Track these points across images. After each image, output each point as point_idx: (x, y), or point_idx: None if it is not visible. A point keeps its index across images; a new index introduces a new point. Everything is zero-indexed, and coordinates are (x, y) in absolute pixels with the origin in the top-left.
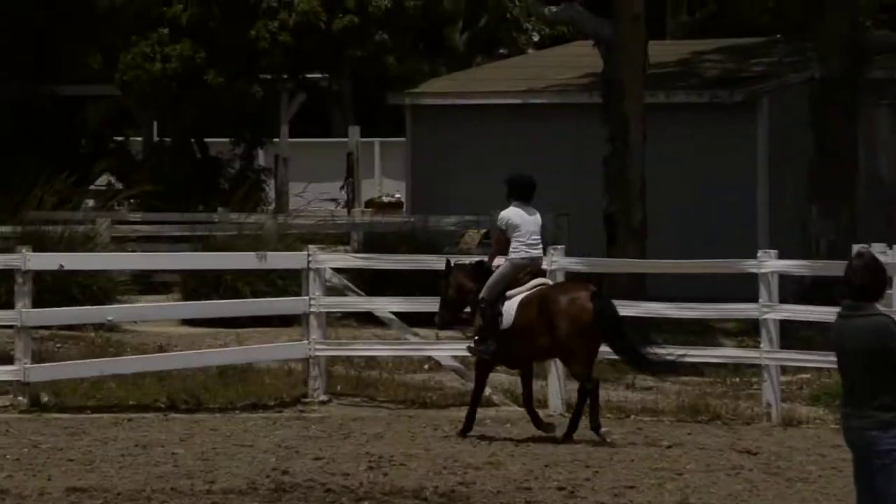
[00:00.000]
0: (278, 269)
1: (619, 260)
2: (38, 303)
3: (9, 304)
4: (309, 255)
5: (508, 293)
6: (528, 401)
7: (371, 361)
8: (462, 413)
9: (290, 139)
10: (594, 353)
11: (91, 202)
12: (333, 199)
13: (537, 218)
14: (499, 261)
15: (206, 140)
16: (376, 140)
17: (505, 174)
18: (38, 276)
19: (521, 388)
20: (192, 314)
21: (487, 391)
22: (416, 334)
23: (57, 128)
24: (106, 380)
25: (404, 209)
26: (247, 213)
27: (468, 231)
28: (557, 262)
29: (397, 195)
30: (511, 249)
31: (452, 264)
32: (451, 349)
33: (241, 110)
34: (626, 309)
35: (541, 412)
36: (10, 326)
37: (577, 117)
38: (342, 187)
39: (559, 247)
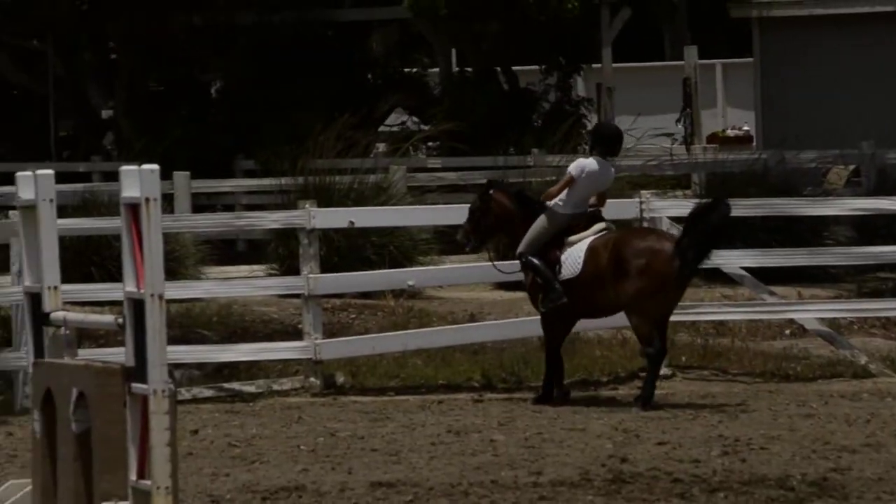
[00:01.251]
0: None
1: None
2: (326, 267)
3: (293, 270)
4: (641, 201)
5: (570, 238)
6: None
7: (720, 327)
8: (834, 386)
9: (613, 64)
10: (667, 315)
11: (382, 146)
12: (669, 134)
13: (610, 176)
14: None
15: (515, 69)
16: (718, 62)
17: (882, 97)
18: (326, 236)
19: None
20: (507, 276)
21: (863, 359)
22: (773, 293)
23: (339, 59)
24: (410, 356)
25: (754, 144)
26: (566, 154)
27: (833, 168)
28: None
29: (745, 127)
30: (559, 198)
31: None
32: (817, 310)
33: (554, 31)
34: None
35: None
36: (297, 295)
37: None
38: (678, 120)
39: None
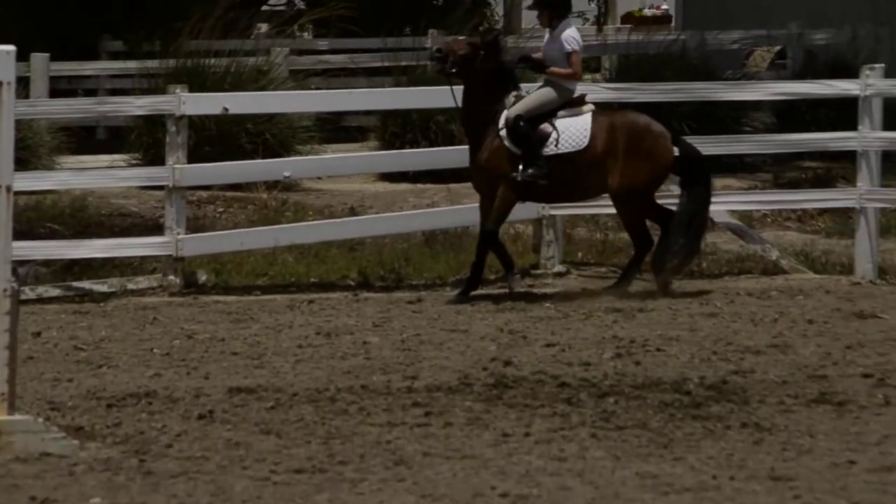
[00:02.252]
0: None
1: None
2: (195, 157)
3: (158, 160)
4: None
5: (561, 113)
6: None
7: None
8: (742, 283)
9: None
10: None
11: (264, 27)
12: (580, 14)
13: None
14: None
15: None
16: None
17: None
18: (196, 124)
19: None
20: (392, 166)
21: (774, 254)
22: None
23: None
24: (281, 252)
25: (673, 24)
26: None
27: (756, 50)
28: (875, 85)
29: (664, 6)
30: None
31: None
32: (728, 202)
33: None
34: None
35: (844, 278)
36: (160, 187)
37: None
38: None
39: (877, 66)
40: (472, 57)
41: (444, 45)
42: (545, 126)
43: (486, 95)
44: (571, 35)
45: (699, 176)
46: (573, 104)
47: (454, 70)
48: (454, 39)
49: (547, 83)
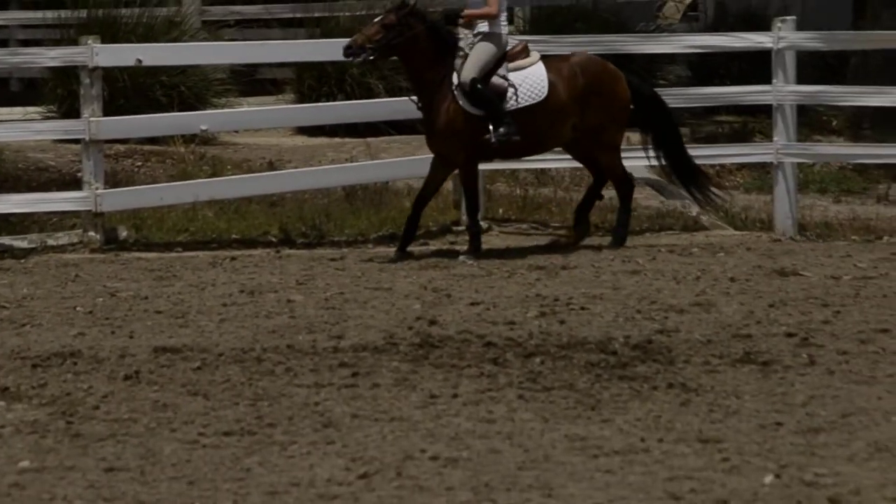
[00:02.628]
0: None
1: (871, 33)
2: (110, 110)
3: (73, 112)
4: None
5: (515, 64)
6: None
7: (542, 176)
8: (663, 240)
9: None
10: None
11: None
12: None
13: None
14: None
15: None
16: None
17: None
18: (110, 75)
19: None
20: (309, 120)
21: (694, 210)
22: None
23: None
24: (201, 208)
25: None
26: None
27: (669, 2)
28: (787, 38)
29: None
30: (499, 22)
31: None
32: (647, 157)
33: None
34: (879, 97)
35: (764, 234)
36: (76, 140)
37: None
38: None
39: (788, 18)
40: (393, 35)
41: (353, 41)
42: (499, 81)
43: (426, 62)
44: None
45: (659, 112)
46: (518, 55)
47: (376, 56)
48: (364, 29)
49: (480, 39)
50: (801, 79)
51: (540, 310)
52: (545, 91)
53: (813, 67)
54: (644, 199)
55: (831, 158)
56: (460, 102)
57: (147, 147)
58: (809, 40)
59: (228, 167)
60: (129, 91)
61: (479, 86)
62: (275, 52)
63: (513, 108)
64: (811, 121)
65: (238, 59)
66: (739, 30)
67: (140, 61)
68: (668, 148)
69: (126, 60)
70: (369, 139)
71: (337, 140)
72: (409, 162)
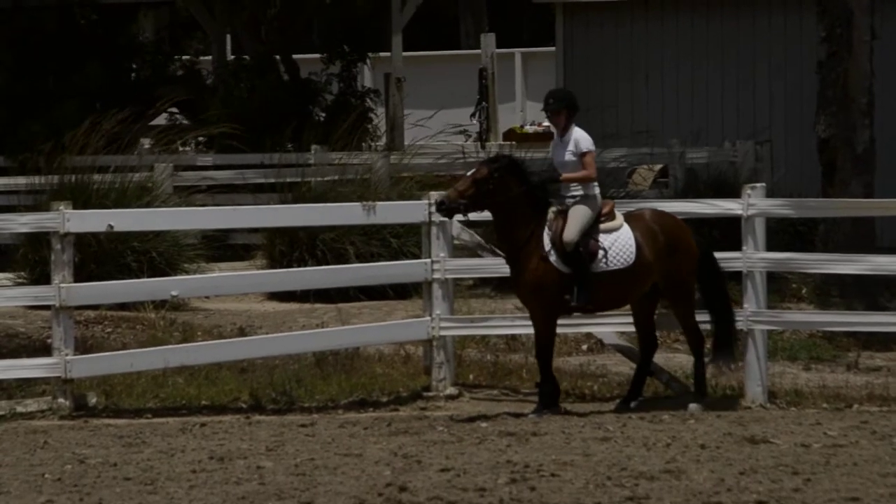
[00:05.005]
0: (391, 223)
1: (840, 200)
2: (81, 276)
3: (44, 278)
4: (431, 203)
5: (605, 226)
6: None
7: (512, 342)
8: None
9: (405, 53)
10: None
11: (148, 142)
12: (463, 131)
13: None
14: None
15: (296, 57)
16: (517, 51)
17: (693, 91)
18: (82, 241)
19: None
20: (280, 286)
21: (664, 377)
22: None
23: (102, 44)
24: (171, 374)
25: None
26: (350, 151)
27: (637, 168)
28: (756, 205)
29: (545, 123)
30: (594, 184)
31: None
32: (616, 323)
33: (339, 16)
34: (849, 265)
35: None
36: (47, 307)
37: (784, 12)
38: (473, 114)
39: (758, 186)
40: (488, 189)
41: (445, 197)
42: (592, 244)
43: (520, 218)
44: (585, 136)
45: (712, 265)
46: (606, 217)
47: (468, 211)
48: (457, 185)
49: (578, 200)
50: (771, 246)
51: (510, 476)
52: (634, 256)
53: (783, 234)
54: (614, 365)
55: (801, 326)
56: (552, 260)
57: (118, 313)
58: (779, 207)
59: (199, 333)
60: (101, 256)
61: (580, 248)
62: (246, 218)
63: (602, 269)
64: (780, 287)
65: (210, 225)
66: (709, 196)
67: (111, 227)
68: (719, 304)
69: (97, 226)
70: (340, 305)
71: (308, 305)
72: (380, 327)
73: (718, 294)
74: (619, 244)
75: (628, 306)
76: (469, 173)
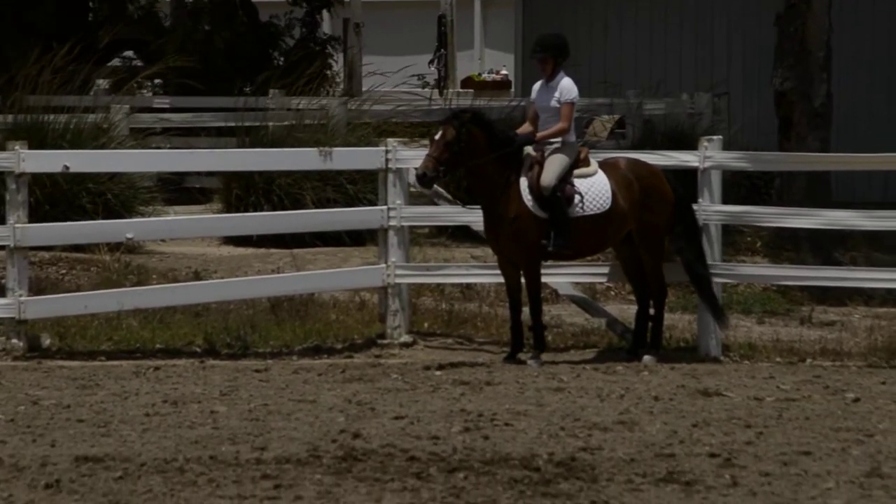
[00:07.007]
0: (348, 169)
1: (796, 154)
2: (36, 216)
3: None
4: (388, 150)
5: (579, 171)
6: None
7: (468, 291)
8: (589, 355)
9: None
10: None
11: (104, 83)
12: (420, 77)
13: None
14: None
15: (259, 0)
16: None
17: (650, 41)
18: (37, 181)
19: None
20: (235, 230)
21: (619, 328)
22: None
23: None
24: (125, 317)
25: (512, 89)
26: (308, 96)
27: (597, 118)
28: (713, 157)
29: (503, 71)
30: (573, 132)
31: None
32: (572, 274)
33: None
34: (804, 219)
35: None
36: (1, 247)
37: None
38: (431, 61)
39: (715, 138)
40: (461, 148)
41: (425, 169)
42: (569, 189)
43: (496, 169)
44: (571, 85)
45: (687, 213)
46: (581, 163)
47: (447, 175)
48: (430, 152)
49: (557, 149)
50: (727, 199)
51: (464, 425)
52: (609, 202)
53: (738, 187)
54: (569, 315)
55: (756, 279)
56: (529, 206)
57: (72, 254)
58: (735, 160)
59: (154, 276)
60: (56, 198)
61: (557, 193)
62: (202, 161)
63: (578, 215)
64: (735, 240)
65: (166, 167)
66: (666, 148)
67: (67, 167)
68: (693, 251)
69: (53, 167)
70: (296, 250)
71: (263, 251)
72: (335, 274)
73: (691, 245)
74: (594, 189)
75: (590, 258)
76: (437, 136)
